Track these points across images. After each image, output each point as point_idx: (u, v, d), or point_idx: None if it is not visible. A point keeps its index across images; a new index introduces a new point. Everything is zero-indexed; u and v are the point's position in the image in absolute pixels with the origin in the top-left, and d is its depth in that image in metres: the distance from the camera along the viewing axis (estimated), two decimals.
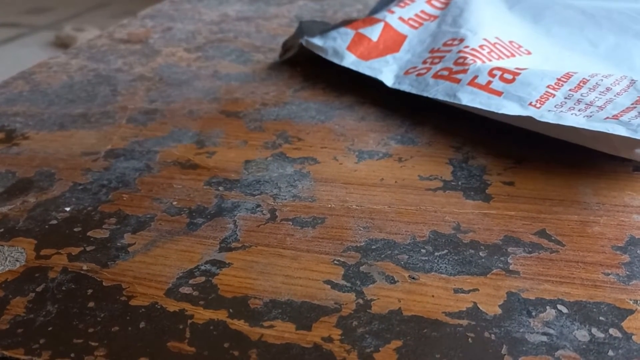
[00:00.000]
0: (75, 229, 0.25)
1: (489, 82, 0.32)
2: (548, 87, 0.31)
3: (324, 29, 0.43)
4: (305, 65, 0.43)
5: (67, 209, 0.27)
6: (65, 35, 1.91)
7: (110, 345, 0.19)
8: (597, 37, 0.38)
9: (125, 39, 0.51)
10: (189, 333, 0.20)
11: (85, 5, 2.41)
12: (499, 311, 0.20)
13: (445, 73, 0.35)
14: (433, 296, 0.21)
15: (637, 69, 0.35)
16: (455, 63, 0.35)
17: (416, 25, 0.42)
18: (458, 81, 0.33)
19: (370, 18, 0.43)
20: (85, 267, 0.23)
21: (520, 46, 0.38)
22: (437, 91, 0.34)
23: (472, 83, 0.33)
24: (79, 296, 0.22)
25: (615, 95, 0.29)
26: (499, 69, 0.33)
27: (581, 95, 0.30)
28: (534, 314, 0.20)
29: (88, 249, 0.24)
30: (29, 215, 0.27)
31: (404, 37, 0.41)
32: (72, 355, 0.19)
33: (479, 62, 0.34)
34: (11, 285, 0.22)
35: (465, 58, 0.35)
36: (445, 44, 0.38)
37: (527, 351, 0.18)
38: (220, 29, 0.53)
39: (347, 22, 0.43)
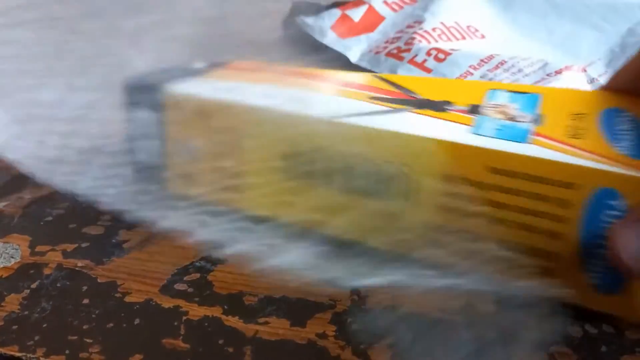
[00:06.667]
0: (70, 226, 0.25)
1: (424, 61, 0.35)
2: (470, 67, 0.33)
3: (318, 9, 0.46)
4: (300, 62, 0.43)
5: (62, 205, 0.27)
6: None
7: (105, 342, 0.19)
8: (555, 26, 0.39)
9: None
10: (184, 329, 0.20)
11: None
12: (493, 307, 0.20)
13: (395, 52, 0.37)
14: (427, 292, 0.21)
15: (582, 56, 0.36)
16: (405, 43, 0.37)
17: (397, 8, 0.44)
18: (402, 59, 0.36)
19: (359, 0, 0.45)
20: (80, 264, 0.23)
21: (477, 30, 0.39)
22: (384, 67, 0.36)
23: (411, 61, 0.35)
24: (73, 293, 0.22)
25: (523, 76, 0.31)
26: (435, 49, 0.35)
27: (494, 75, 0.32)
28: (527, 310, 0.20)
29: (83, 245, 0.24)
30: (24, 212, 0.27)
31: (382, 18, 0.43)
32: (67, 351, 0.19)
33: (423, 42, 0.36)
34: (6, 282, 0.22)
35: (414, 38, 0.37)
36: (408, 26, 0.40)
37: (520, 347, 0.18)
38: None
39: (339, 4, 0.46)
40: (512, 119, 0.20)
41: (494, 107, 0.21)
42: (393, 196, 0.20)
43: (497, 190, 0.19)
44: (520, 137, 0.19)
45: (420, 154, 0.20)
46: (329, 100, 0.22)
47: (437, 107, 0.21)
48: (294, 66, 0.26)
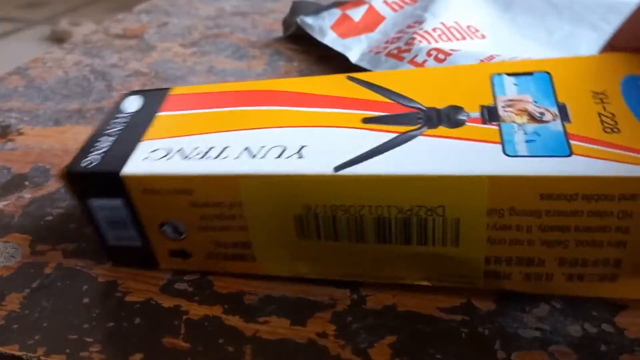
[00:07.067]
0: (71, 225, 0.25)
1: (425, 61, 0.34)
2: None
3: (318, 8, 0.46)
4: (301, 61, 0.43)
5: (62, 205, 0.27)
6: (61, 30, 1.90)
7: (105, 341, 0.19)
8: (554, 26, 0.40)
9: (120, 34, 0.51)
10: (184, 329, 0.20)
11: None
12: (493, 306, 0.20)
13: (395, 52, 0.37)
14: (427, 291, 0.21)
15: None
16: (405, 43, 0.37)
17: (397, 8, 0.44)
18: (402, 59, 0.35)
19: (359, 0, 0.45)
20: (80, 263, 0.23)
21: (477, 30, 0.39)
22: (385, 68, 0.36)
23: (411, 61, 0.35)
24: (73, 292, 0.22)
25: None
26: (436, 49, 0.34)
27: None
28: (527, 309, 0.20)
29: (83, 245, 0.24)
30: (24, 211, 0.27)
31: (383, 18, 0.43)
32: (67, 351, 0.19)
33: (424, 43, 0.36)
34: (6, 281, 0.22)
35: (414, 39, 0.37)
36: (408, 26, 0.40)
37: (520, 346, 0.18)
38: (216, 24, 0.53)
39: (339, 4, 0.46)
40: (535, 118, 0.19)
41: (509, 106, 0.20)
42: (431, 239, 0.19)
43: (551, 215, 0.18)
44: (560, 148, 0.18)
45: (457, 193, 0.18)
46: (322, 140, 0.20)
47: (448, 119, 0.19)
48: (247, 83, 0.24)
